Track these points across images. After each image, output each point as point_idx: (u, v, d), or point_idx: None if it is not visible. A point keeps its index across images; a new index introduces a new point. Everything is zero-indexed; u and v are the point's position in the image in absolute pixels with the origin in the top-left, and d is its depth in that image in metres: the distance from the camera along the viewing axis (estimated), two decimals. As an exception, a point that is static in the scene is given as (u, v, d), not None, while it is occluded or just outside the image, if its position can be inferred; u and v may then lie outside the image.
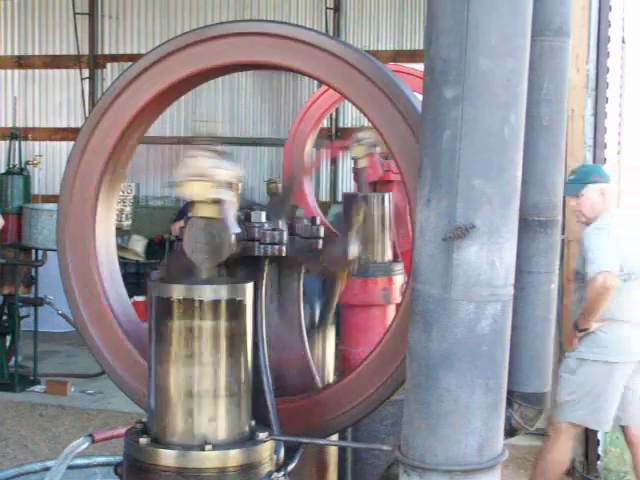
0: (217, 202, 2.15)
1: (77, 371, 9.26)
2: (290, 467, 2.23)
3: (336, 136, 13.57)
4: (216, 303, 2.07)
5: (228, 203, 2.15)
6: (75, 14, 14.19)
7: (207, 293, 2.06)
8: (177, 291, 2.06)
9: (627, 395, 5.79)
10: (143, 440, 2.09)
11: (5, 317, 9.18)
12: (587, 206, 5.67)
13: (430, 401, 1.90)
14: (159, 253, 12.53)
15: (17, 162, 10.84)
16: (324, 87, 4.89)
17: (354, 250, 2.33)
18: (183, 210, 10.82)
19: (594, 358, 5.68)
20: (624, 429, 6.08)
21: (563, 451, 5.87)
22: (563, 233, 6.13)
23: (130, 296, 2.58)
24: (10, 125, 12.54)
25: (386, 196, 4.30)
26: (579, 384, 5.72)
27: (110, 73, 14.35)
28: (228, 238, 2.17)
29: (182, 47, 2.32)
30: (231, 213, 2.17)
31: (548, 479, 5.87)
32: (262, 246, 2.25)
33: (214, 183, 2.12)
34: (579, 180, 5.66)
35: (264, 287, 2.32)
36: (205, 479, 2.06)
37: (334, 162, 13.78)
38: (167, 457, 2.06)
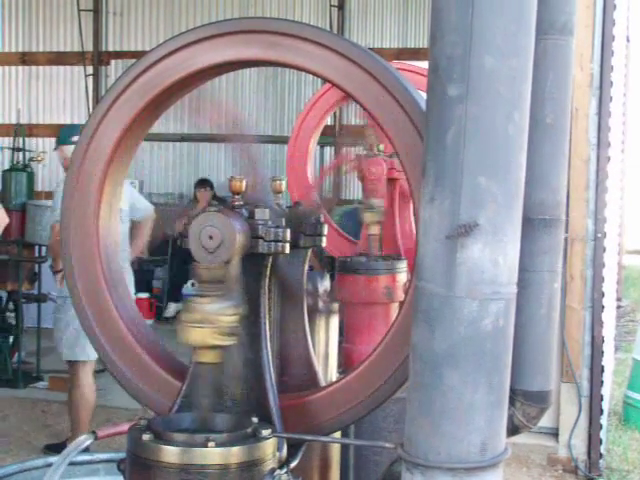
0: (218, 347, 2.13)
1: (80, 368, 9.26)
2: (293, 464, 2.23)
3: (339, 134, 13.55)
4: None
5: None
6: (79, 11, 14.21)
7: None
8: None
9: None
10: (146, 436, 2.10)
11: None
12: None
13: (433, 399, 1.90)
14: (162, 250, 12.54)
15: (21, 159, 10.83)
16: (328, 85, 4.89)
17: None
18: (187, 207, 10.83)
19: None
20: None
21: (86, 386, 6.77)
22: (566, 232, 6.14)
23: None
24: (14, 122, 12.56)
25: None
26: (67, 321, 6.57)
27: (114, 70, 14.37)
28: (233, 237, 2.17)
29: (187, 44, 2.31)
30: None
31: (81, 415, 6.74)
32: (266, 243, 2.25)
33: (216, 329, 2.09)
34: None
35: (267, 283, 2.32)
36: (208, 476, 2.06)
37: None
38: (170, 454, 2.07)
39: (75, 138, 6.91)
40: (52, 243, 6.96)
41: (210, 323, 2.09)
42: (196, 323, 2.09)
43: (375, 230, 4.40)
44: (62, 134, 7.16)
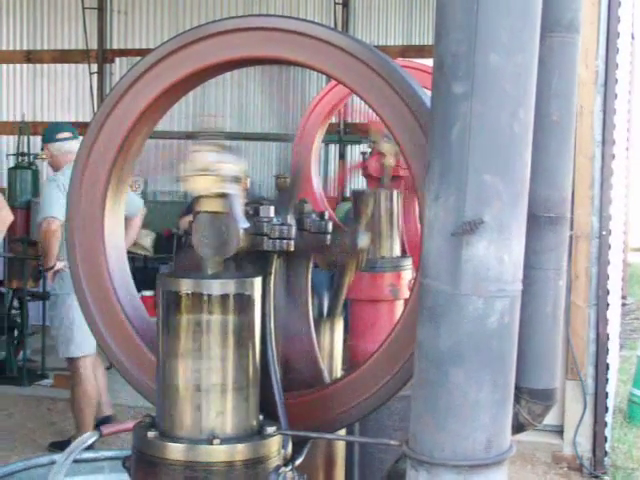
0: (223, 196, 2.14)
1: (85, 365, 9.27)
2: (298, 461, 2.24)
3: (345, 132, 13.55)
4: (224, 297, 2.07)
5: (234, 197, 2.15)
6: (84, 9, 14.22)
7: (215, 287, 2.07)
8: (185, 285, 2.07)
9: None
10: (151, 434, 2.10)
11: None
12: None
13: (438, 396, 1.90)
14: (167, 248, 12.56)
15: (26, 156, 10.81)
16: (333, 82, 4.89)
17: (363, 241, 2.34)
18: (191, 205, 10.84)
19: (66, 292, 6.40)
20: None
21: (87, 382, 6.71)
22: (571, 229, 6.15)
23: (138, 291, 2.58)
24: (19, 119, 12.57)
25: (394, 192, 4.32)
26: (61, 318, 6.58)
27: (118, 68, 14.38)
28: (236, 232, 2.17)
29: (191, 42, 2.31)
30: (238, 207, 2.17)
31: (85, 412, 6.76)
32: (271, 241, 2.25)
33: (219, 177, 2.12)
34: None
35: (272, 281, 2.32)
36: (213, 473, 2.06)
37: (342, 156, 13.79)
38: (175, 451, 2.07)
39: (60, 135, 7.31)
40: (41, 240, 6.96)
41: (213, 171, 2.11)
42: (201, 171, 2.11)
43: (391, 161, 4.43)
44: (47, 132, 7.24)
